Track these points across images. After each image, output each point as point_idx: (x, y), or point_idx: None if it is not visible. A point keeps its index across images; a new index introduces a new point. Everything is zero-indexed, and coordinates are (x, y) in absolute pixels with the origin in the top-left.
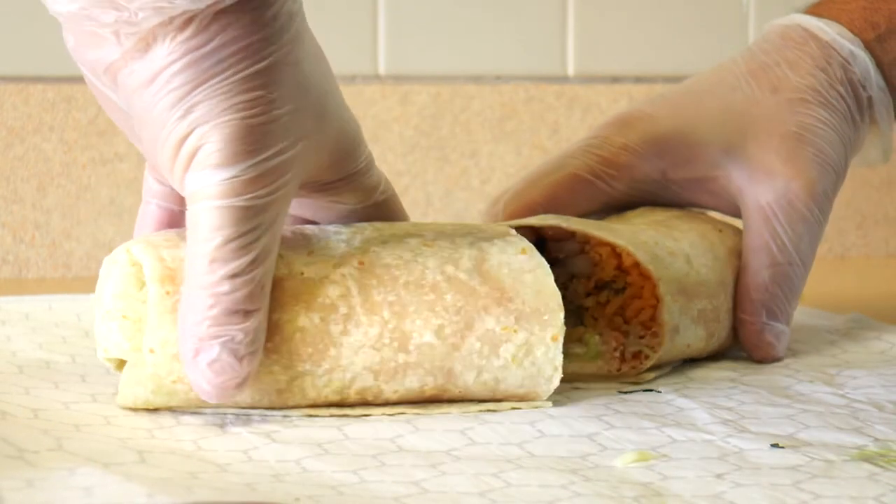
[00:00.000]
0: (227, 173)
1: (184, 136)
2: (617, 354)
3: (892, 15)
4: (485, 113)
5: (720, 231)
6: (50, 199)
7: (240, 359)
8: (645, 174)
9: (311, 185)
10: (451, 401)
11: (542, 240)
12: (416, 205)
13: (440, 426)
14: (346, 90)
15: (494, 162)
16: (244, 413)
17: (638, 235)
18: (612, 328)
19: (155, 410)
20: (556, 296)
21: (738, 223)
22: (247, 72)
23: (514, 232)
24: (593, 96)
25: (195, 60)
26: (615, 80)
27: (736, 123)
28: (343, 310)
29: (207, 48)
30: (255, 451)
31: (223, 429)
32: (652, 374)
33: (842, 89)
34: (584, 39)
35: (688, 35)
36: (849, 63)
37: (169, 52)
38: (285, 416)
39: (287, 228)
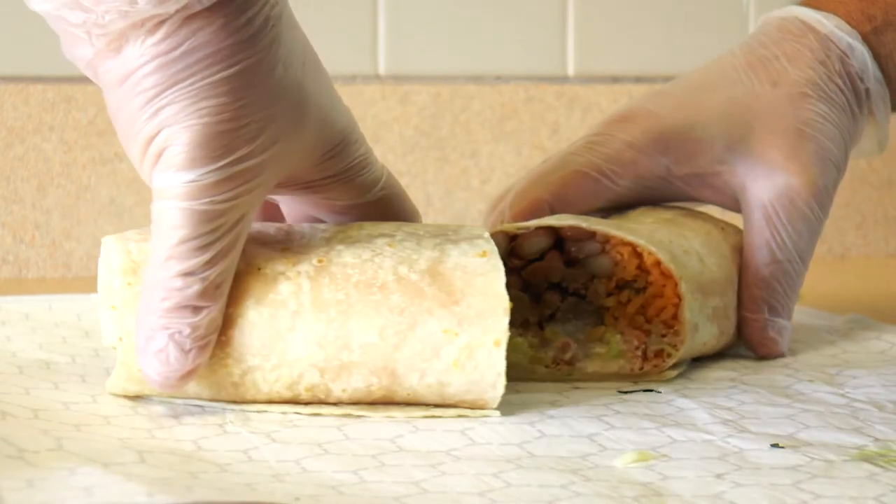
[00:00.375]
0: (188, 176)
1: (152, 136)
2: (639, 353)
3: (888, 7)
4: (485, 113)
5: (723, 229)
6: (50, 199)
7: (186, 351)
8: (649, 171)
9: (296, 184)
10: (402, 404)
11: (560, 240)
12: (417, 205)
13: (440, 426)
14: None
15: (494, 162)
16: (242, 411)
17: (655, 234)
18: (634, 327)
19: (154, 410)
20: (503, 300)
21: (738, 220)
22: (214, 77)
23: (486, 235)
24: (593, 96)
25: (164, 64)
26: (615, 80)
27: (738, 119)
28: (292, 306)
29: (177, 52)
30: (255, 451)
31: (223, 428)
32: (673, 373)
33: (840, 82)
34: (584, 39)
35: (688, 35)
36: (847, 56)
37: (140, 55)
38: (285, 416)
39: (272, 225)
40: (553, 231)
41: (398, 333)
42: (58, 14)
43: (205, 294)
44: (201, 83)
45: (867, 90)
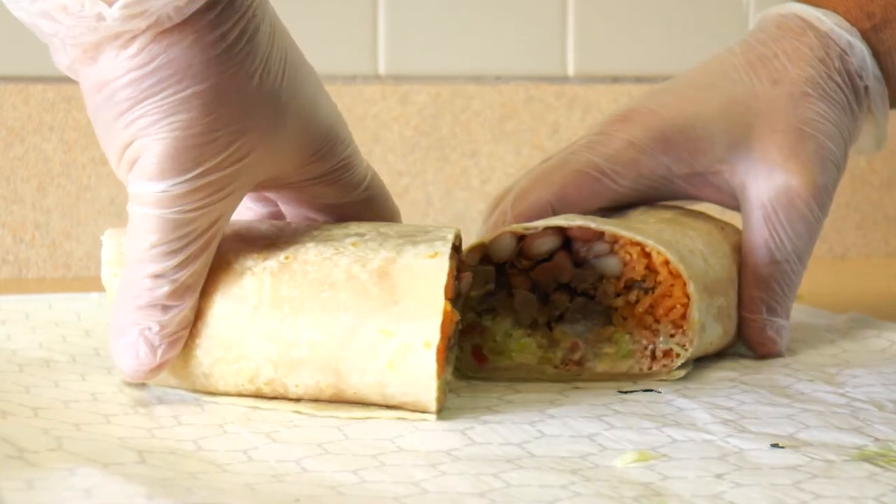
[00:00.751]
0: (159, 186)
1: (126, 144)
2: (648, 353)
3: (887, 4)
4: (485, 113)
5: (722, 229)
6: (50, 199)
7: (155, 347)
8: (650, 170)
9: (278, 185)
10: (350, 402)
11: (567, 240)
12: (416, 205)
13: (440, 426)
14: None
15: (494, 162)
16: (241, 411)
17: (662, 234)
18: (643, 327)
19: (155, 410)
20: (438, 302)
21: (738, 218)
22: (186, 92)
23: (449, 237)
24: (593, 96)
25: (137, 79)
26: (615, 80)
27: (738, 118)
28: (253, 301)
29: (149, 67)
30: (255, 451)
31: (223, 428)
32: (682, 373)
33: (840, 80)
34: (584, 39)
35: (688, 35)
36: (846, 53)
37: (114, 67)
38: (284, 416)
39: (267, 221)
40: (561, 231)
41: (342, 332)
42: (33, 23)
43: (174, 294)
44: (173, 98)
45: (866, 88)
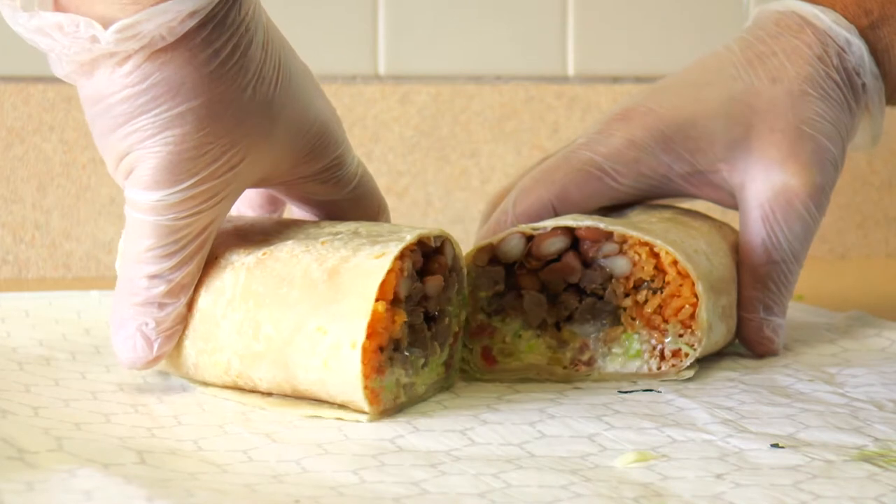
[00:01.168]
0: (154, 196)
1: (122, 155)
2: (657, 353)
3: (884, 1)
4: (485, 113)
5: (720, 228)
6: (50, 199)
7: (152, 341)
8: (651, 168)
9: (271, 183)
10: (304, 398)
11: (575, 240)
12: (416, 205)
13: (440, 426)
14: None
15: (494, 162)
16: (241, 411)
17: (668, 234)
18: (651, 327)
19: (155, 409)
20: (368, 302)
21: (736, 217)
22: (179, 109)
23: (408, 237)
24: (593, 96)
25: (131, 95)
26: (615, 80)
27: (738, 116)
28: (228, 295)
29: (143, 85)
30: (255, 451)
31: (223, 429)
32: (690, 372)
33: (838, 78)
34: (584, 39)
35: (688, 35)
36: (844, 51)
37: (109, 83)
38: (284, 416)
39: (271, 218)
40: (569, 231)
41: (289, 328)
42: (29, 37)
43: (170, 293)
44: (167, 114)
45: (864, 85)
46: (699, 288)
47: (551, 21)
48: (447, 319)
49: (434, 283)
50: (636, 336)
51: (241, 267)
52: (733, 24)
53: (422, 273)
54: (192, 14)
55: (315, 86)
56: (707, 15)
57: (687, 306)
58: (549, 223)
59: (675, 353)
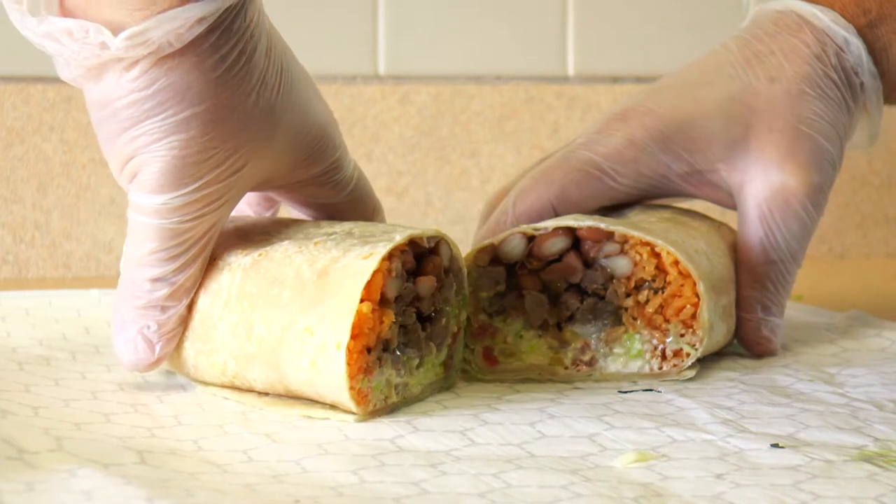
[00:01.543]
0: (158, 199)
1: (127, 159)
2: (658, 353)
3: (883, 1)
4: (485, 113)
5: (718, 228)
6: (50, 199)
7: (153, 344)
8: (650, 168)
9: (270, 187)
10: (297, 398)
11: (576, 240)
12: (416, 205)
13: (440, 426)
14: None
15: (494, 162)
16: (241, 411)
17: (669, 234)
18: (653, 327)
19: (155, 409)
20: (352, 303)
21: (733, 216)
22: (184, 114)
23: (397, 238)
24: (593, 96)
25: (138, 100)
26: (615, 80)
27: (737, 116)
28: (224, 296)
29: (150, 90)
30: (255, 451)
31: (223, 429)
32: (692, 372)
33: (836, 77)
34: (584, 39)
35: (688, 35)
36: (843, 50)
37: (116, 88)
38: (284, 416)
39: (272, 219)
40: (571, 232)
41: (279, 329)
42: (37, 41)
43: (172, 296)
44: (173, 119)
45: (862, 84)
46: (701, 288)
47: (551, 21)
48: (444, 320)
49: (426, 283)
50: (638, 336)
51: (237, 268)
52: (733, 24)
53: (416, 273)
54: (199, 21)
55: (314, 90)
56: (707, 15)
57: (688, 306)
58: (551, 223)
59: (677, 353)
